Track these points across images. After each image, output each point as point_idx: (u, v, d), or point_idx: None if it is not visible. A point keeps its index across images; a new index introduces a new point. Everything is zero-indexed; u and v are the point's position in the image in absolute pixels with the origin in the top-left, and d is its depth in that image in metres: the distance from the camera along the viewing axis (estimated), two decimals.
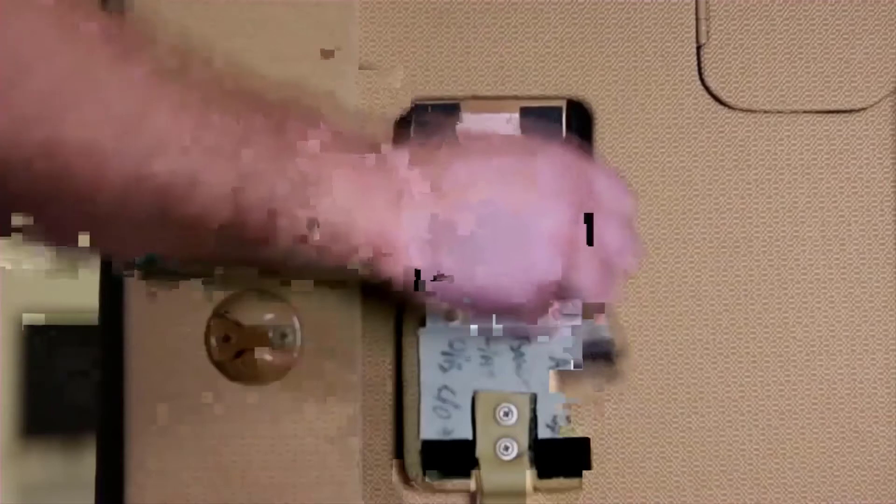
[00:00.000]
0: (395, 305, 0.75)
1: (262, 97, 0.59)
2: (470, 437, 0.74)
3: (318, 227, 0.58)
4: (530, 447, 0.74)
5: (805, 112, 0.77)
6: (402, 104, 0.75)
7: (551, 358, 0.74)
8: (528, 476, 0.74)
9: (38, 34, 0.50)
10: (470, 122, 0.76)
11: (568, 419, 0.74)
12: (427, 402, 0.74)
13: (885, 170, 0.78)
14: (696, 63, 0.77)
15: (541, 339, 0.73)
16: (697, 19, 0.77)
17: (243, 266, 0.65)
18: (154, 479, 0.71)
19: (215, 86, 0.57)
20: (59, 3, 0.52)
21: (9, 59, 0.49)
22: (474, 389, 0.74)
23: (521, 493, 0.74)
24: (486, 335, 0.74)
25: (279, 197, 0.57)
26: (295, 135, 0.59)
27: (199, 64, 0.57)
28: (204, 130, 0.55)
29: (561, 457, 0.74)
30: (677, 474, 0.76)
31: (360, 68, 0.73)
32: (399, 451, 0.75)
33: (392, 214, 0.61)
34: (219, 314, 0.72)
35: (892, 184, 0.78)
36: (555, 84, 0.76)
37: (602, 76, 0.77)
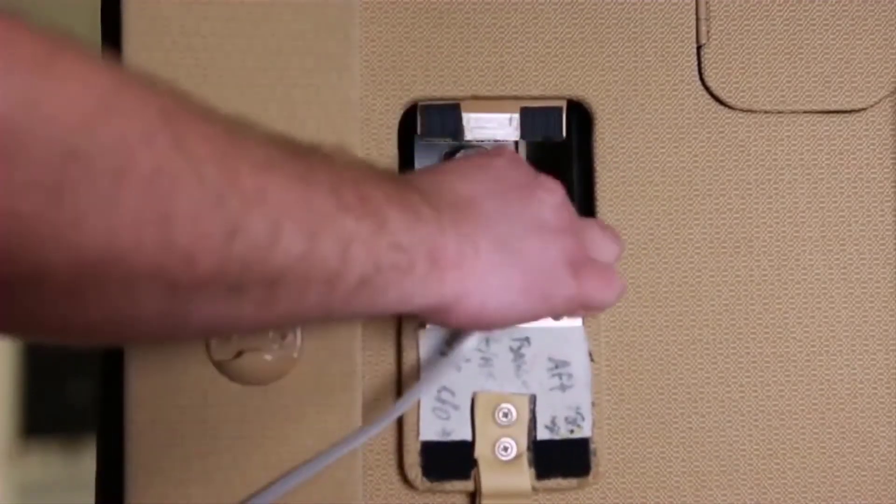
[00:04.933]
0: None
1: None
2: (469, 438, 0.74)
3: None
4: (529, 448, 0.74)
5: (805, 112, 0.78)
6: (403, 104, 0.75)
7: (550, 359, 0.74)
8: (528, 476, 0.74)
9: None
10: (470, 122, 0.76)
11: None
12: (426, 404, 0.74)
13: (885, 170, 0.78)
14: (696, 63, 0.77)
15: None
16: (697, 19, 0.77)
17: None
18: (154, 479, 0.71)
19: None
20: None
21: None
22: (473, 390, 0.74)
23: (520, 494, 0.74)
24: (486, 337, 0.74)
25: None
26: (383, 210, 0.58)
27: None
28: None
29: (560, 457, 0.74)
30: (677, 474, 0.76)
31: None
32: (399, 452, 0.75)
33: (458, 277, 0.62)
34: None
35: (892, 184, 0.78)
36: (555, 84, 0.76)
37: (602, 76, 0.77)
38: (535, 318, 0.66)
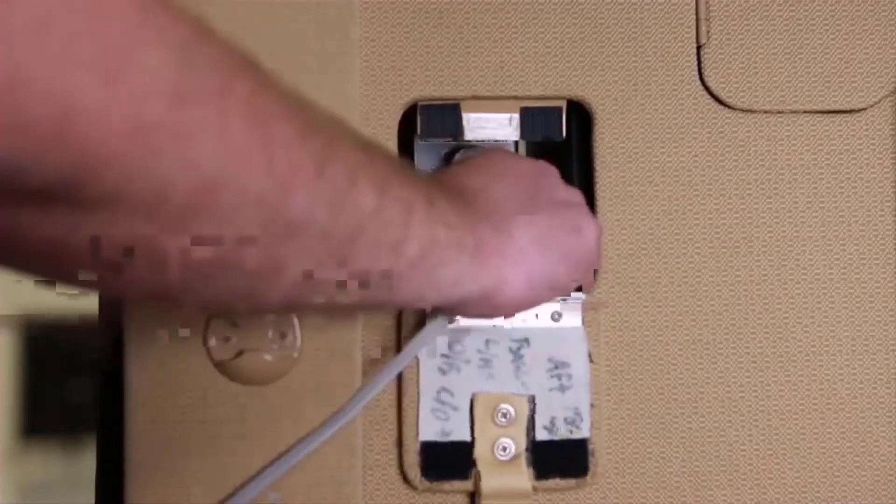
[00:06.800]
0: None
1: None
2: (468, 438, 0.74)
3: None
4: (528, 448, 0.74)
5: (805, 112, 0.78)
6: (403, 104, 0.76)
7: (550, 360, 0.74)
8: (527, 477, 0.74)
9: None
10: (470, 121, 0.76)
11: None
12: (425, 405, 0.74)
13: (885, 170, 0.78)
14: (696, 63, 0.77)
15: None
16: (697, 19, 0.77)
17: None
18: (154, 479, 0.71)
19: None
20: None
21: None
22: (473, 391, 0.74)
23: (519, 494, 0.74)
24: (486, 337, 0.74)
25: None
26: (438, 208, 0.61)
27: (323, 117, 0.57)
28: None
29: (559, 457, 0.74)
30: (677, 474, 0.76)
31: None
32: (399, 452, 0.75)
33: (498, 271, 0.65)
34: (219, 314, 0.72)
35: (892, 184, 0.78)
36: (555, 84, 0.76)
37: (602, 76, 0.77)
38: (568, 285, 0.70)
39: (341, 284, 0.56)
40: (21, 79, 0.39)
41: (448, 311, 0.68)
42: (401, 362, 0.71)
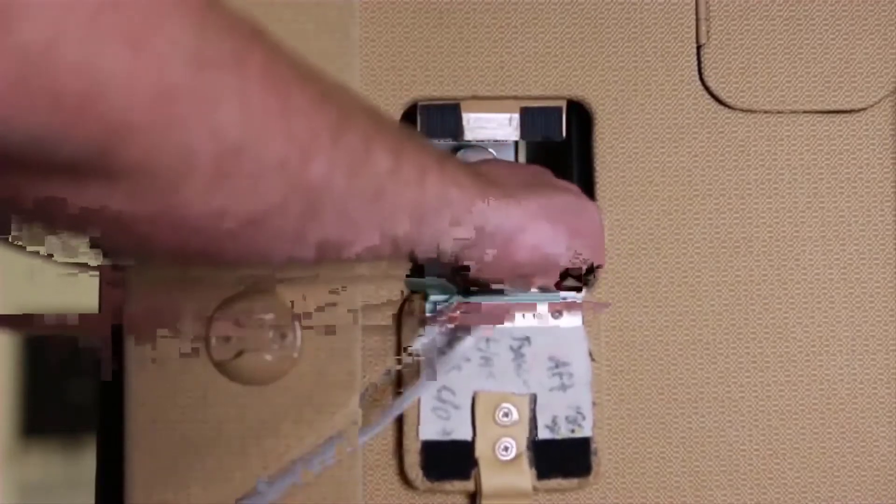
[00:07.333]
0: (395, 305, 0.75)
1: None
2: (469, 437, 0.74)
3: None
4: (529, 448, 0.74)
5: (805, 112, 0.78)
6: (403, 104, 0.76)
7: (550, 358, 0.74)
8: (528, 476, 0.74)
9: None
10: (470, 121, 0.76)
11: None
12: (426, 403, 0.74)
13: (885, 170, 0.78)
14: (696, 63, 0.77)
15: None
16: (697, 19, 0.77)
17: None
18: (154, 479, 0.71)
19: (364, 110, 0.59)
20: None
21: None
22: (474, 390, 0.74)
23: (520, 494, 0.74)
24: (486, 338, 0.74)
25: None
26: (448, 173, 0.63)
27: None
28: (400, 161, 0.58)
29: (561, 457, 0.74)
30: (677, 474, 0.76)
31: None
32: (399, 452, 0.75)
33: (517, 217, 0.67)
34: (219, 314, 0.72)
35: (892, 184, 0.78)
36: (555, 84, 0.76)
37: (602, 76, 0.77)
38: (579, 257, 0.70)
39: (364, 244, 0.57)
40: (52, 51, 0.40)
41: (466, 262, 0.68)
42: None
